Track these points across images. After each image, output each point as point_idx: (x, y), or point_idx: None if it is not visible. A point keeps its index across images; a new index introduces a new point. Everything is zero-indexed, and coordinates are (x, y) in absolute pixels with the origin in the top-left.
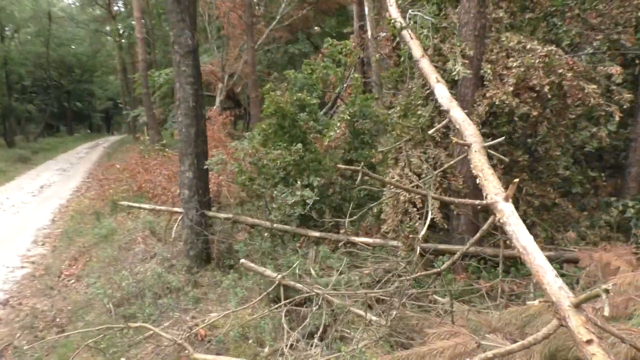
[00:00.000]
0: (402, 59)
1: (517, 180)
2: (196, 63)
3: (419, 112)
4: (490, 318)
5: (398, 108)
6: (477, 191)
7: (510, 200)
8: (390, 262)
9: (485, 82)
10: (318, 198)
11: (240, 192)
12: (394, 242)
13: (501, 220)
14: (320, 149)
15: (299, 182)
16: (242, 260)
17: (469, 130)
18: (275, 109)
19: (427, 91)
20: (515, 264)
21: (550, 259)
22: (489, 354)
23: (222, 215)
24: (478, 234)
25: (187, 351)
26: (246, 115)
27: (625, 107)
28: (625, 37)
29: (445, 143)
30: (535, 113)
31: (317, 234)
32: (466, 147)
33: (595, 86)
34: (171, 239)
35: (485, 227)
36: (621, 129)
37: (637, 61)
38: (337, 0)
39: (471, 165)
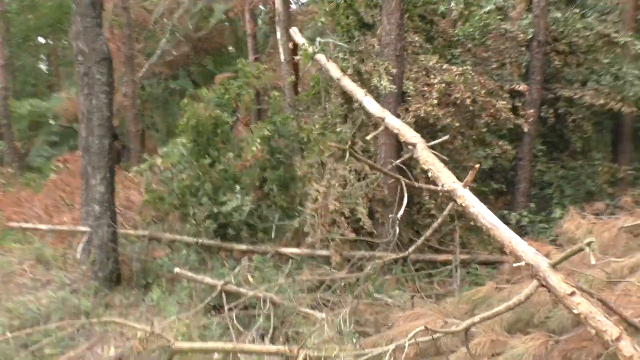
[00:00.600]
0: (314, 82)
1: (477, 166)
2: (110, 72)
3: (338, 130)
4: (443, 305)
5: (317, 126)
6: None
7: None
8: (323, 269)
9: (407, 98)
10: (238, 212)
11: (149, 211)
12: (323, 252)
13: (463, 204)
14: (235, 168)
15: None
16: (177, 270)
17: (410, 132)
18: (195, 123)
19: (345, 109)
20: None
21: (467, 262)
22: (476, 318)
23: (137, 232)
24: (438, 221)
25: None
26: (124, 150)
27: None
28: (511, 70)
29: (365, 157)
30: (457, 124)
31: (243, 246)
32: (411, 147)
33: (504, 102)
34: (70, 263)
35: (445, 212)
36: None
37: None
38: (217, 41)
39: (420, 162)
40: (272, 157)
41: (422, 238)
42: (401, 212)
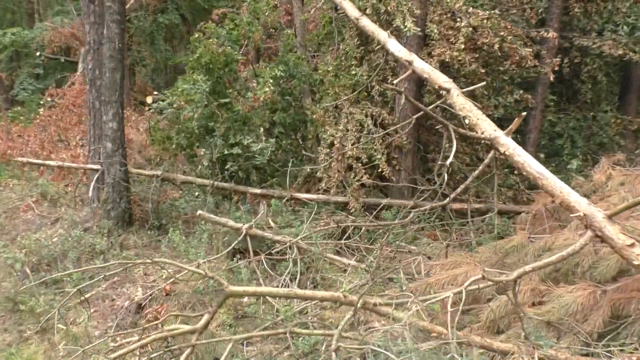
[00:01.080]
0: (324, 21)
1: (524, 114)
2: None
3: (353, 72)
4: (475, 255)
5: (331, 68)
6: (416, 149)
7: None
8: (340, 215)
9: (430, 41)
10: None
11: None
12: (339, 198)
13: (507, 153)
14: (243, 109)
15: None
16: (200, 212)
17: (443, 77)
18: (209, 59)
19: (362, 51)
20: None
21: (482, 211)
22: (528, 267)
23: (149, 172)
24: (478, 170)
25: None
26: None
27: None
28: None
29: (382, 102)
30: (482, 71)
31: (258, 190)
32: (444, 92)
33: (530, 49)
34: (79, 202)
35: (487, 161)
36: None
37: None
38: None
39: (456, 108)
40: (282, 99)
41: (462, 187)
42: (450, 160)
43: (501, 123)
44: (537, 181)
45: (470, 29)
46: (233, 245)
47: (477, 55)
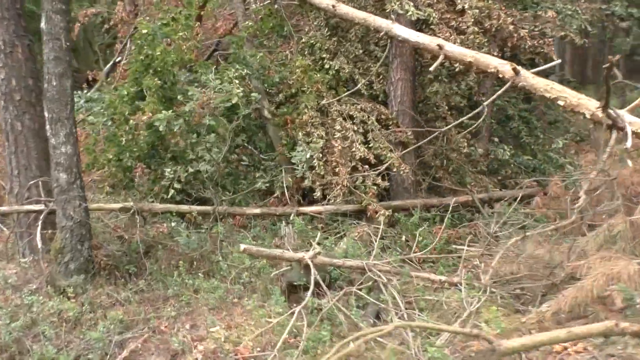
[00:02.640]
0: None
1: None
2: None
3: (327, 66)
4: (570, 246)
5: (298, 63)
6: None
7: None
8: (362, 226)
9: (428, 27)
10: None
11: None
12: (349, 207)
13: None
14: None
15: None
16: (244, 246)
17: (495, 59)
18: (158, 58)
19: (335, 43)
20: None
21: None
22: None
23: (115, 205)
24: (605, 155)
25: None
26: None
27: None
28: None
29: (371, 96)
30: (495, 53)
31: (258, 210)
32: (511, 76)
33: (526, 30)
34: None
35: (612, 143)
36: None
37: None
38: None
39: (539, 90)
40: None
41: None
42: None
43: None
44: None
45: (477, 10)
46: (312, 279)
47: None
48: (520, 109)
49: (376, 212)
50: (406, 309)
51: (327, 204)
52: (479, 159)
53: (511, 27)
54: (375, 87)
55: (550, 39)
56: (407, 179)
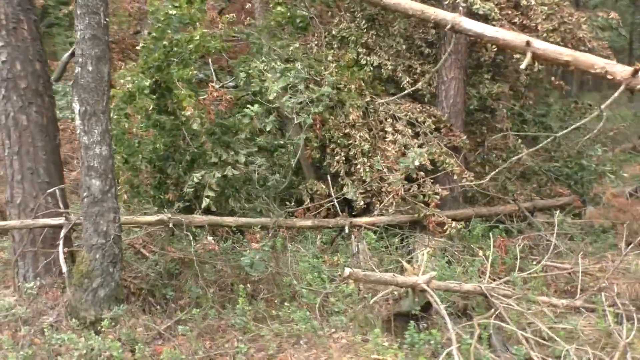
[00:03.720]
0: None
1: None
2: None
3: (364, 62)
4: None
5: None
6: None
7: None
8: (421, 238)
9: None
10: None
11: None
12: (403, 217)
13: None
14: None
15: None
16: (349, 270)
17: (600, 59)
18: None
19: (373, 36)
20: None
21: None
22: None
23: (149, 218)
24: None
25: None
26: None
27: None
28: None
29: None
30: None
31: (309, 222)
32: (624, 78)
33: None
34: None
35: None
36: None
37: None
38: None
39: None
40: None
41: None
42: None
43: None
44: None
45: (545, 7)
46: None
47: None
48: (537, 114)
49: (439, 224)
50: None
51: (381, 215)
52: (513, 166)
53: (584, 26)
54: (420, 86)
55: (604, 42)
56: (457, 188)
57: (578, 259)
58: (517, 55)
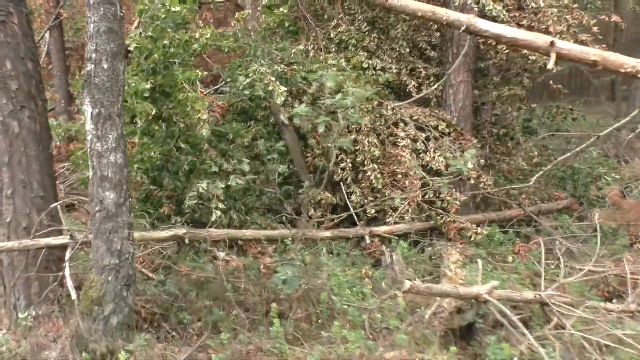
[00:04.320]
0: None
1: None
2: None
3: (365, 65)
4: None
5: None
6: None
7: None
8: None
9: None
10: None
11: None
12: (419, 225)
13: None
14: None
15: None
16: (410, 283)
17: (632, 59)
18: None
19: (375, 39)
20: None
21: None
22: None
23: (163, 233)
24: None
25: None
26: None
27: None
28: None
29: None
30: None
31: (328, 233)
32: None
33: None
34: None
35: None
36: None
37: None
38: None
39: None
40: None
41: None
42: None
43: None
44: None
45: (555, 9)
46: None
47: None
48: (523, 118)
49: (459, 230)
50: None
51: (397, 223)
52: (513, 171)
53: (595, 28)
54: (431, 90)
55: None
56: (466, 192)
57: (603, 261)
58: (533, 57)
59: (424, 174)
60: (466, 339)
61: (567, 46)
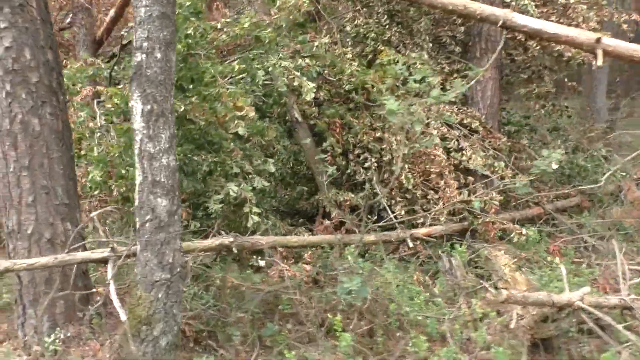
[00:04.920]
0: None
1: None
2: None
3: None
4: None
5: (349, 56)
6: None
7: None
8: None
9: None
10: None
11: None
12: (455, 226)
13: None
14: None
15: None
16: (506, 292)
17: None
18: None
19: (397, 33)
20: None
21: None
22: None
23: (209, 242)
24: None
25: None
26: None
27: None
28: None
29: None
30: None
31: (372, 237)
32: None
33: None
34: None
35: None
36: None
37: None
38: None
39: None
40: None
41: None
42: None
43: None
44: None
45: (584, 6)
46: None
47: None
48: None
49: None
50: None
51: (433, 225)
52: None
53: (624, 26)
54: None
55: None
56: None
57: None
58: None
59: (460, 174)
60: (547, 350)
61: (613, 43)
